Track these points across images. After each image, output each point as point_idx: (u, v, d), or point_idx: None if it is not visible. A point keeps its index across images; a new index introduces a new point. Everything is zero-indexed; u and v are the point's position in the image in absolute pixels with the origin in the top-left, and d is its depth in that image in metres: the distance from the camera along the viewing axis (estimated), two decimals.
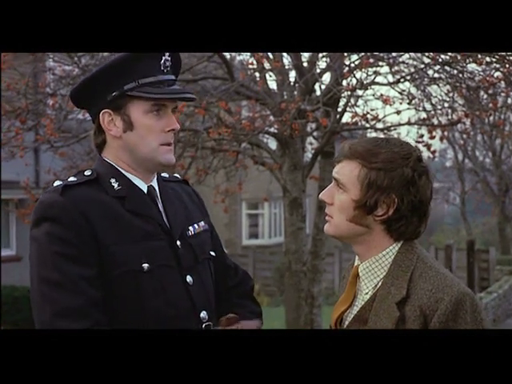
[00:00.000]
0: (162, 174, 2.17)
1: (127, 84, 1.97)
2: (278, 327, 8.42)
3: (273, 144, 8.28)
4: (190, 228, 2.11)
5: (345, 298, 1.95)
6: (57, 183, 1.97)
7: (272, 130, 7.00)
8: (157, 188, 2.08)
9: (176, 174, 2.28)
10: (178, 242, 2.03)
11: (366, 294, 1.89)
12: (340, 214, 1.88)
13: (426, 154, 7.39)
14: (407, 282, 1.81)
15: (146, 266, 1.93)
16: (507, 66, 5.34)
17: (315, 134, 7.91)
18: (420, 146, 6.98)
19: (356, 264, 1.94)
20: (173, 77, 2.05)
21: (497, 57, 5.23)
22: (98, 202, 1.95)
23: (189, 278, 2.02)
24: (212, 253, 2.17)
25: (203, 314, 2.03)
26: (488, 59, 5.34)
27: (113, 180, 2.01)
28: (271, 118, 7.00)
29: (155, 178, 2.10)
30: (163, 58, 2.02)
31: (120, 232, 1.93)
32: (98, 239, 1.90)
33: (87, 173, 2.02)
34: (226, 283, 2.21)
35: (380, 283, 1.87)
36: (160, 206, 2.06)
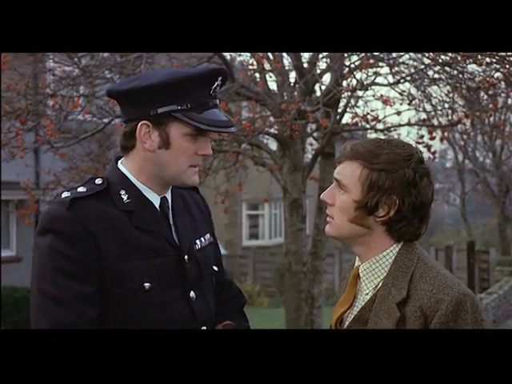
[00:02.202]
0: None
1: (174, 105, 1.93)
2: (277, 328, 8.42)
3: (273, 145, 8.28)
4: (197, 242, 2.10)
5: (345, 299, 1.95)
6: (65, 194, 1.94)
7: (272, 130, 7.00)
8: (169, 199, 2.07)
9: None
10: (186, 257, 2.02)
11: (367, 294, 1.89)
12: (341, 215, 1.88)
13: (426, 154, 7.39)
14: (408, 282, 1.81)
15: (147, 285, 1.92)
16: (507, 66, 5.34)
17: (315, 134, 7.92)
18: (420, 146, 6.98)
19: (356, 265, 1.94)
20: (218, 101, 2.02)
21: (497, 57, 5.22)
22: (105, 216, 1.92)
23: (192, 294, 2.01)
24: (215, 267, 2.17)
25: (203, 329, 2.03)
26: (488, 60, 5.34)
27: (123, 192, 1.98)
28: (271, 118, 7.00)
29: (169, 190, 2.08)
30: (215, 82, 1.98)
31: (125, 249, 1.92)
32: (101, 256, 1.89)
33: (98, 181, 1.99)
34: (222, 297, 2.21)
35: (380, 284, 1.87)
36: (170, 218, 2.05)
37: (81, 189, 1.96)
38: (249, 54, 7.08)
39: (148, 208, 2.00)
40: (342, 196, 1.87)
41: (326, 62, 6.99)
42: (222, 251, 19.90)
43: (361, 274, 1.91)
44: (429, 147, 7.02)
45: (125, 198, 1.98)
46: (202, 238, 2.13)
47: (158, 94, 1.92)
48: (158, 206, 2.02)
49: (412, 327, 1.76)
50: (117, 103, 2.09)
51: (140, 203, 1.98)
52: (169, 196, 2.07)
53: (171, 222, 2.04)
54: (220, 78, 1.99)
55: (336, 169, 1.91)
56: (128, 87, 1.96)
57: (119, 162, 2.05)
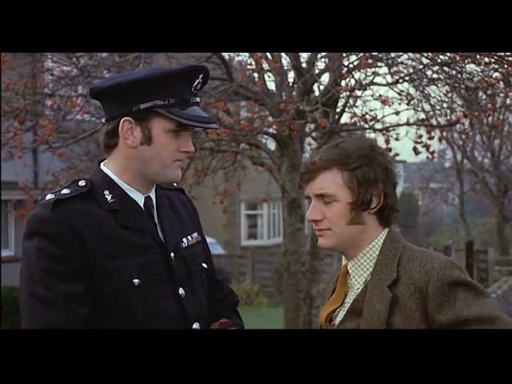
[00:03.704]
0: None
1: (156, 100, 1.95)
2: (276, 328, 8.42)
3: (271, 145, 8.28)
4: (184, 240, 2.11)
5: (335, 298, 1.99)
6: (49, 197, 1.96)
7: (271, 130, 7.00)
8: (154, 198, 2.08)
9: None
10: (172, 255, 2.03)
11: (358, 289, 1.94)
12: (337, 222, 1.92)
13: (424, 154, 7.40)
14: (396, 266, 1.88)
15: (136, 281, 1.93)
16: (506, 66, 5.34)
17: (314, 134, 7.92)
18: (419, 146, 6.99)
19: (344, 263, 1.98)
20: (199, 99, 2.04)
21: (495, 57, 5.23)
22: (90, 216, 1.94)
23: (181, 291, 2.03)
24: (204, 265, 2.18)
25: (196, 326, 2.04)
26: (487, 60, 5.34)
27: (106, 192, 1.99)
28: (270, 118, 7.01)
29: (153, 189, 2.09)
30: (197, 80, 2.00)
31: (111, 247, 1.93)
32: (88, 255, 1.90)
33: (81, 183, 2.00)
34: (214, 296, 2.22)
35: (370, 276, 1.92)
36: (155, 217, 2.06)
37: (65, 191, 1.98)
38: (247, 54, 7.09)
39: (132, 207, 2.01)
40: (332, 206, 1.92)
41: (325, 62, 6.99)
42: (221, 251, 19.96)
43: (350, 271, 1.96)
44: (427, 147, 7.02)
45: (109, 197, 1.99)
46: (189, 237, 2.14)
47: (140, 89, 1.95)
48: (142, 205, 2.03)
49: (407, 304, 1.82)
50: (100, 103, 2.11)
51: (124, 202, 2.00)
52: (153, 195, 2.08)
53: (156, 221, 2.06)
54: (201, 76, 2.01)
55: (310, 187, 1.94)
56: (110, 84, 1.99)
57: (102, 163, 2.07)
